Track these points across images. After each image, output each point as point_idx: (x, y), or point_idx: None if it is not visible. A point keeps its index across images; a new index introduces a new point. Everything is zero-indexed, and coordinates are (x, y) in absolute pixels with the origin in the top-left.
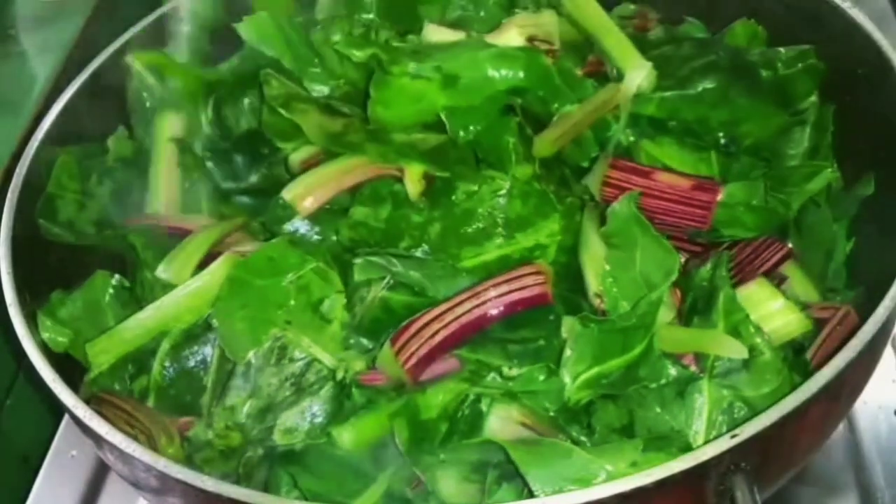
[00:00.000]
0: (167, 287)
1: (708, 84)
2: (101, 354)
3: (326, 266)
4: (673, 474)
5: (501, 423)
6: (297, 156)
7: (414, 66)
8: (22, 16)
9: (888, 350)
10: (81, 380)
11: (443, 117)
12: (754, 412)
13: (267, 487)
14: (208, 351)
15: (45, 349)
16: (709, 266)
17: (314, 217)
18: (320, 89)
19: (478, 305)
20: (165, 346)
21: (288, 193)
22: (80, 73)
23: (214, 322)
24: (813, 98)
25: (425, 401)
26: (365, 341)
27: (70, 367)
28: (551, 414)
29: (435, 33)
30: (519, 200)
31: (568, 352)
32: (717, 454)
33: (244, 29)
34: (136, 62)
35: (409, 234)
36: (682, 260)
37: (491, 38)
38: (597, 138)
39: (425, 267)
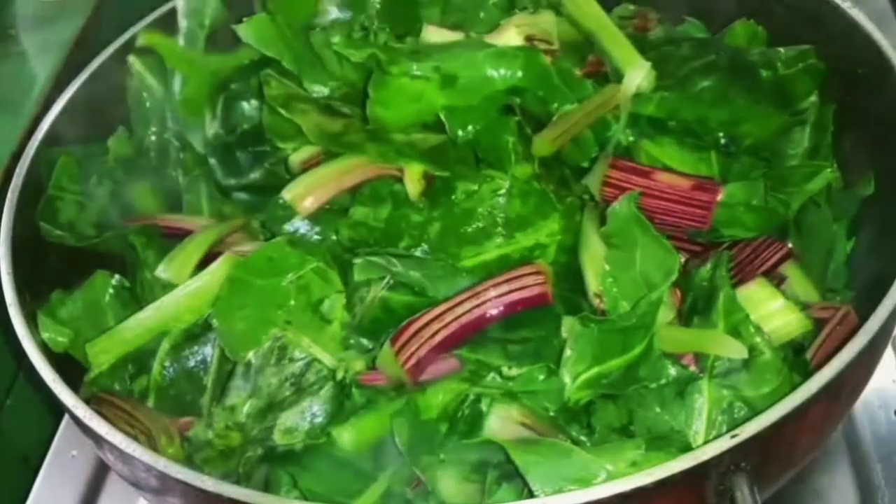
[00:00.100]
0: (167, 287)
1: (707, 84)
2: (101, 354)
3: (326, 266)
4: (673, 474)
5: (501, 422)
6: (298, 156)
7: (412, 66)
8: (22, 16)
9: (888, 350)
10: (81, 380)
11: (442, 117)
12: (754, 412)
13: (267, 487)
14: (208, 351)
15: (45, 349)
16: (709, 266)
17: (314, 217)
18: (320, 90)
19: (478, 305)
20: (165, 346)
21: (288, 193)
22: (80, 73)
23: (214, 322)
24: (813, 98)
25: (425, 401)
26: (365, 341)
27: (70, 367)
28: (551, 414)
29: (434, 35)
30: (519, 200)
31: (568, 352)
32: (718, 454)
33: (244, 30)
34: (137, 62)
35: (408, 234)
36: (682, 260)
37: (490, 39)
38: (597, 138)
39: (425, 267)
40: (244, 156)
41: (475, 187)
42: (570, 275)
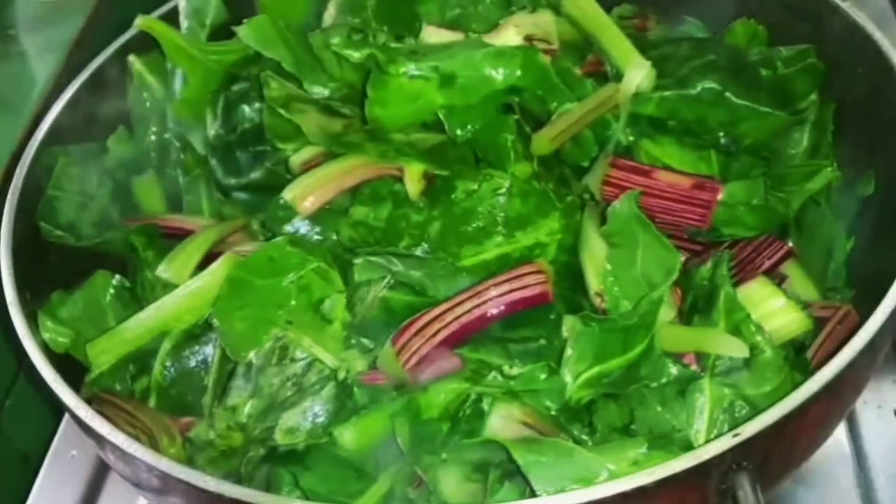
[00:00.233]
0: (168, 287)
1: (707, 84)
2: (102, 354)
3: (327, 266)
4: (675, 473)
5: (503, 422)
6: (298, 157)
7: (411, 65)
8: (22, 16)
9: (888, 350)
10: (82, 380)
11: (441, 116)
12: (755, 411)
13: (268, 487)
14: (209, 351)
15: (46, 349)
16: (709, 265)
17: (314, 217)
18: (320, 91)
19: (478, 305)
20: (166, 346)
21: (288, 193)
22: (80, 73)
23: (215, 322)
24: (813, 97)
25: (427, 400)
26: (366, 341)
27: (71, 367)
28: (553, 413)
29: (433, 35)
30: (518, 199)
31: (569, 351)
32: (719, 453)
33: (244, 32)
34: (137, 62)
35: (408, 234)
36: (683, 259)
37: (488, 38)
38: (597, 138)
39: (426, 266)
40: (245, 155)
41: (475, 186)
42: (570, 274)
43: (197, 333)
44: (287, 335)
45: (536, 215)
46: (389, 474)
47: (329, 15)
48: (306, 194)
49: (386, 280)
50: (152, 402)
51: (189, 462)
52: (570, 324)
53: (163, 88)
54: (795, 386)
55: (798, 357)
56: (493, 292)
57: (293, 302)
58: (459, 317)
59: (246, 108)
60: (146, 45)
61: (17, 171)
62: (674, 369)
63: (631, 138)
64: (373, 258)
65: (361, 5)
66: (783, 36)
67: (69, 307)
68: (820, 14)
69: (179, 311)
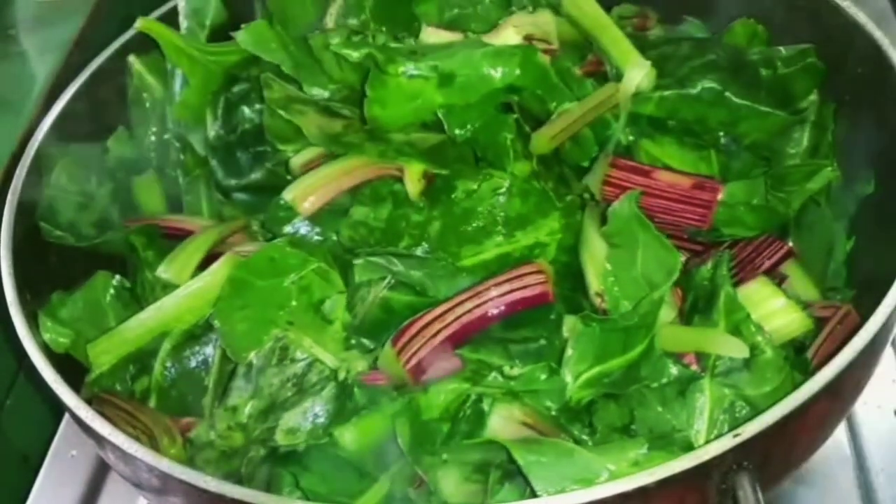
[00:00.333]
0: (168, 287)
1: (707, 83)
2: (103, 355)
3: (328, 266)
4: (675, 473)
5: (503, 422)
6: (299, 159)
7: (410, 65)
8: (22, 16)
9: (888, 350)
10: (82, 380)
11: (440, 115)
12: (756, 411)
13: (269, 488)
14: (209, 351)
15: (47, 349)
16: (709, 265)
17: (315, 218)
18: (319, 93)
19: (479, 305)
20: (167, 346)
21: (289, 194)
22: (80, 73)
23: (216, 322)
24: (813, 97)
25: (427, 401)
26: (366, 341)
27: (71, 367)
28: (553, 413)
29: (432, 36)
30: (518, 199)
31: (569, 351)
32: (720, 453)
33: (242, 37)
34: (137, 62)
35: (408, 234)
36: (683, 259)
37: (487, 39)
38: (597, 138)
39: (426, 266)
40: (245, 156)
41: (475, 186)
42: (571, 274)
43: (197, 334)
44: (287, 336)
45: (536, 215)
46: (390, 475)
47: (330, 17)
48: (306, 195)
49: (386, 280)
50: (153, 403)
51: (189, 462)
52: (570, 324)
53: (163, 88)
54: (795, 386)
55: (798, 357)
56: (494, 292)
57: (294, 302)
58: (460, 317)
59: (246, 109)
60: (146, 45)
61: (17, 171)
62: (674, 369)
63: (631, 138)
64: (373, 258)
65: (360, 6)
66: (783, 36)
67: (69, 307)
68: (820, 14)
69: (180, 311)
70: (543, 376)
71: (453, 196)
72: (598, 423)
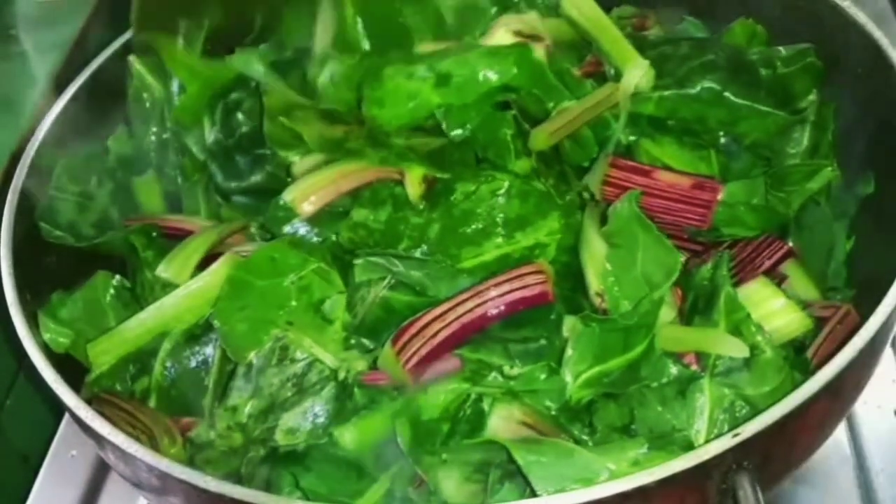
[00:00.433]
0: (168, 287)
1: (706, 83)
2: (103, 355)
3: (328, 266)
4: (675, 473)
5: (503, 422)
6: (301, 166)
7: (406, 67)
8: (22, 16)
9: (888, 350)
10: (82, 380)
11: (438, 116)
12: (755, 411)
13: (269, 488)
14: (209, 351)
15: (46, 349)
16: (709, 265)
17: (314, 219)
18: None
19: (479, 305)
20: (167, 346)
21: (288, 195)
22: (80, 73)
23: (216, 322)
24: (812, 97)
25: (427, 401)
26: (366, 341)
27: (71, 367)
28: (553, 413)
29: (427, 48)
30: (518, 199)
31: (569, 351)
32: (720, 453)
33: (236, 61)
34: (137, 62)
35: (408, 236)
36: (683, 259)
37: (482, 42)
38: (597, 137)
39: (426, 266)
40: (244, 159)
41: (473, 188)
42: (571, 274)
43: (197, 334)
44: (287, 336)
45: (536, 216)
46: (390, 475)
47: (319, 39)
48: (306, 196)
49: (386, 280)
50: (152, 403)
51: (189, 462)
52: (570, 324)
53: (163, 88)
54: (795, 386)
55: (798, 357)
56: (494, 292)
57: (294, 302)
58: (460, 317)
59: (245, 113)
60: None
61: (17, 171)
62: (674, 369)
63: (631, 138)
64: (373, 259)
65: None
66: (783, 36)
67: (69, 307)
68: (820, 14)
69: (179, 311)
70: (543, 376)
71: (452, 198)
72: (598, 422)
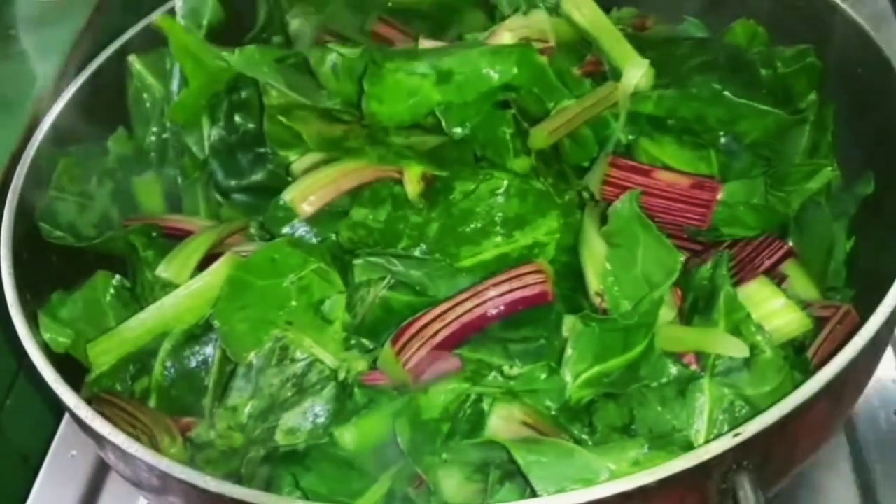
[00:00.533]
0: (168, 287)
1: (706, 82)
2: (103, 355)
3: (327, 266)
4: (675, 473)
5: (503, 422)
6: (300, 165)
7: (407, 63)
8: (22, 16)
9: (888, 350)
10: (82, 380)
11: (438, 113)
12: (755, 411)
13: (269, 488)
14: (210, 351)
15: (47, 349)
16: (709, 265)
17: (314, 219)
18: None
19: (478, 305)
20: (167, 346)
21: (288, 195)
22: (80, 73)
23: (216, 322)
24: (812, 97)
25: (427, 401)
26: (366, 341)
27: (71, 367)
28: (553, 413)
29: (428, 44)
30: (517, 199)
31: (569, 351)
32: (720, 453)
33: (235, 60)
34: (137, 62)
35: (407, 235)
36: (683, 259)
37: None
38: (596, 137)
39: (426, 266)
40: (246, 157)
41: (472, 187)
42: (570, 274)
43: (197, 334)
44: (287, 336)
45: (535, 215)
46: (390, 475)
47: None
48: (306, 196)
49: (386, 280)
50: (153, 403)
51: (189, 462)
52: (570, 324)
53: (163, 88)
54: (795, 386)
55: (798, 357)
56: (493, 292)
57: (294, 302)
58: (459, 317)
59: (249, 110)
60: (146, 45)
61: (17, 171)
62: (674, 369)
63: (630, 137)
64: (373, 259)
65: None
66: (783, 36)
67: (69, 307)
68: (820, 14)
69: (179, 311)
70: (543, 376)
71: (451, 197)
72: (598, 422)
